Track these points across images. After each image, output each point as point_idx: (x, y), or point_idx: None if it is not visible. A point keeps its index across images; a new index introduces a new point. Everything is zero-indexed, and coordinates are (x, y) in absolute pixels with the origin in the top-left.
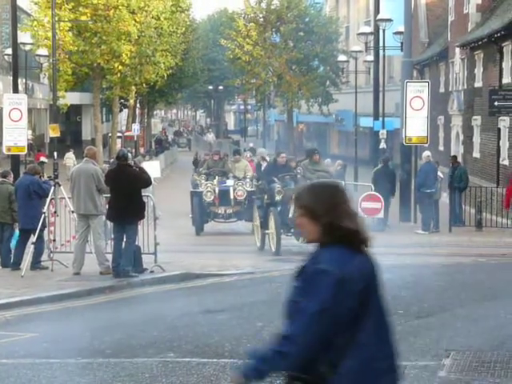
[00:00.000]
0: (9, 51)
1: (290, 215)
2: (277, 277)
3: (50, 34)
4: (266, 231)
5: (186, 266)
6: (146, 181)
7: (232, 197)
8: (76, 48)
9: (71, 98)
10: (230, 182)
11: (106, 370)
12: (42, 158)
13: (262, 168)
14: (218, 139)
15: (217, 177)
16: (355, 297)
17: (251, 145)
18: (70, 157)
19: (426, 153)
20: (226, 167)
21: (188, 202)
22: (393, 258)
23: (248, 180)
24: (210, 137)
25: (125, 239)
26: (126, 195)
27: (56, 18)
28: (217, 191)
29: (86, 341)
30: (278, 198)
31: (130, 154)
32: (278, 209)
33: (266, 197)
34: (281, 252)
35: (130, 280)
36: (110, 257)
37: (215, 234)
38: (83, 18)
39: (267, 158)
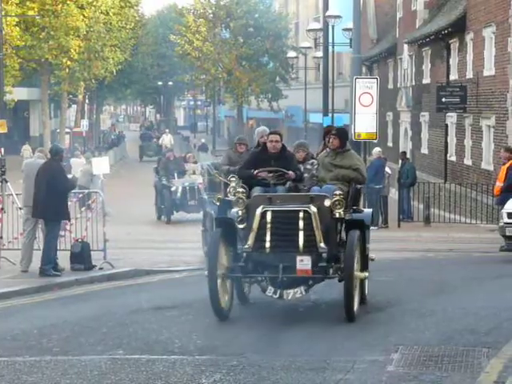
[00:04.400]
0: None
1: (249, 244)
2: None
3: None
4: (205, 273)
5: (136, 263)
6: (64, 187)
7: None
8: (23, 43)
9: (18, 94)
10: None
11: (54, 368)
12: None
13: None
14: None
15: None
16: None
17: (203, 140)
18: (26, 148)
19: (377, 149)
20: None
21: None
22: None
23: None
24: (167, 139)
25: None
26: (49, 191)
27: (3, 13)
28: None
29: (33, 338)
30: (237, 211)
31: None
32: (241, 228)
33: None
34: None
35: (79, 278)
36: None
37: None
38: (31, 12)
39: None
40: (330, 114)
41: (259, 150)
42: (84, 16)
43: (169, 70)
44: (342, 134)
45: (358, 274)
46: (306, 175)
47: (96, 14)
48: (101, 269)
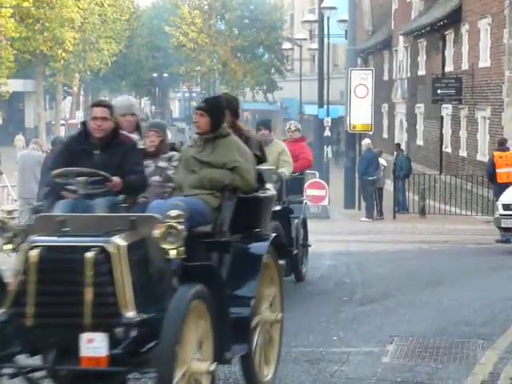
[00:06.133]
0: None
1: (4, 307)
2: None
3: None
4: None
5: None
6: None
7: None
8: (18, 34)
9: (14, 85)
10: None
11: None
12: None
13: None
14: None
15: None
16: None
17: None
18: (19, 139)
19: (366, 140)
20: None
21: None
22: (337, 246)
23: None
24: None
25: None
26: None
27: None
28: None
29: None
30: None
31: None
32: None
33: None
34: None
35: None
36: None
37: None
38: (25, 4)
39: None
40: (326, 106)
41: (77, 133)
42: (79, 7)
43: (164, 61)
44: (215, 107)
45: (195, 366)
46: (155, 179)
47: (91, 5)
48: None
